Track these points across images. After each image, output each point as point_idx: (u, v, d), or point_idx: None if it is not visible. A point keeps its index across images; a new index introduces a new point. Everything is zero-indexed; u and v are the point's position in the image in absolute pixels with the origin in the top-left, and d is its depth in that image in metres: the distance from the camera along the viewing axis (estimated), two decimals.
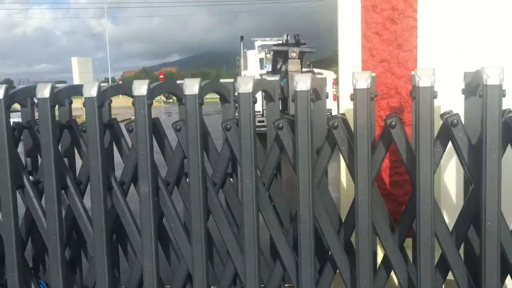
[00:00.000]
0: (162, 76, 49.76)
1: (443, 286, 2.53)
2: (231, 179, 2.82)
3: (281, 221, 2.66)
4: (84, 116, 2.43)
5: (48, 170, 2.51)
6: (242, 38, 21.86)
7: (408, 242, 2.53)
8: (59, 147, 2.82)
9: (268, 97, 2.78)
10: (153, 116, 2.51)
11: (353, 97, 2.28)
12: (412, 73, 2.26)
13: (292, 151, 2.44)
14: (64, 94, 2.82)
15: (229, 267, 2.66)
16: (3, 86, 2.48)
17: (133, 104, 2.40)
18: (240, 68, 20.20)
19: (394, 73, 3.13)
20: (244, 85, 2.31)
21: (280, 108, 2.93)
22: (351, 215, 2.49)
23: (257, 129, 2.39)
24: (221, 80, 2.89)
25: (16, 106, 2.89)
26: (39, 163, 2.97)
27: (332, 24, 3.41)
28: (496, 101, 2.15)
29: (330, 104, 13.59)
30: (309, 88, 2.27)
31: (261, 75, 14.30)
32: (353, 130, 2.31)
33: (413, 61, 3.10)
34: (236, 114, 2.69)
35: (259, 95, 2.70)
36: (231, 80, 2.84)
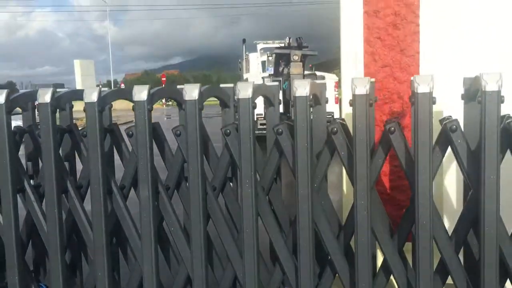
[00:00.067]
0: (164, 79, 49.69)
1: None
2: (231, 183, 2.83)
3: (281, 225, 2.67)
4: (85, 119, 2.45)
5: (49, 174, 2.52)
6: (244, 41, 21.89)
7: (408, 246, 2.54)
8: (60, 151, 2.84)
9: (267, 102, 2.79)
10: (153, 118, 2.52)
11: (352, 103, 2.29)
12: (411, 79, 2.27)
13: (292, 156, 2.45)
14: (65, 99, 2.84)
15: (228, 270, 2.67)
16: (5, 91, 2.50)
17: (133, 109, 2.42)
18: (242, 71, 20.24)
19: (396, 78, 3.14)
20: (244, 91, 2.33)
21: (282, 110, 2.94)
22: (350, 220, 2.50)
23: (259, 132, 2.40)
24: (221, 85, 2.91)
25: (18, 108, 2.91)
26: (40, 167, 2.99)
27: (334, 27, 3.41)
28: (494, 107, 2.16)
29: (332, 107, 13.58)
30: (308, 94, 2.28)
31: (263, 78, 14.35)
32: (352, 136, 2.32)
33: (415, 66, 3.11)
34: (236, 119, 2.70)
35: (261, 98, 2.71)
36: (231, 85, 2.85)
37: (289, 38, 14.40)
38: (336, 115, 12.92)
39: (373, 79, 2.58)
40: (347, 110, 3.06)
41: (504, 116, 2.36)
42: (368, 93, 2.26)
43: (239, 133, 2.36)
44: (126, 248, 2.90)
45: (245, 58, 20.24)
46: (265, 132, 2.78)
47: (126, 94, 2.64)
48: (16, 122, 3.18)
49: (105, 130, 2.75)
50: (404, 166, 2.43)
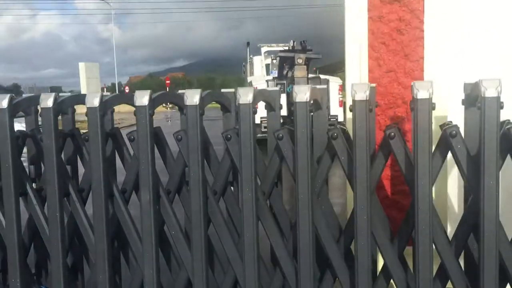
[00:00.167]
0: (169, 82, 49.71)
1: None
2: (231, 187, 2.85)
3: (281, 229, 2.68)
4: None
5: (51, 177, 2.54)
6: (248, 44, 21.95)
7: (409, 250, 2.54)
8: (62, 155, 2.86)
9: (268, 107, 2.81)
10: (155, 119, 2.54)
11: (352, 108, 2.30)
12: (412, 84, 2.28)
13: (292, 161, 2.46)
14: (68, 103, 2.86)
15: (229, 274, 2.68)
16: (8, 96, 2.52)
17: (135, 114, 2.44)
18: (246, 74, 20.27)
19: (400, 83, 3.14)
20: (244, 96, 2.34)
21: (286, 114, 2.95)
22: (350, 224, 2.51)
23: (263, 135, 2.41)
24: (222, 90, 2.93)
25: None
26: (42, 170, 3.01)
27: (338, 31, 3.42)
28: (494, 113, 2.17)
29: (336, 110, 13.59)
30: (308, 99, 2.29)
31: (267, 81, 14.36)
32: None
33: (419, 71, 3.12)
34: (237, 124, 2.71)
35: None
36: (232, 90, 2.87)
37: (293, 41, 14.42)
38: (341, 118, 12.94)
39: (373, 84, 2.59)
40: (350, 113, 3.07)
41: (504, 121, 2.37)
42: (368, 98, 2.27)
43: (240, 138, 2.38)
44: (127, 251, 2.91)
45: (249, 61, 20.27)
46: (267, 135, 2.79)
47: (128, 99, 2.66)
48: (22, 125, 3.21)
49: (107, 134, 2.77)
50: (404, 171, 2.44)
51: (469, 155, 2.38)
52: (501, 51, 3.02)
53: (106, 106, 2.54)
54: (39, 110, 2.57)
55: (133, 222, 2.73)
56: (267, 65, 18.47)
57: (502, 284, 2.40)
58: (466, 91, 2.48)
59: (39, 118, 2.77)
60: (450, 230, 2.58)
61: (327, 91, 2.82)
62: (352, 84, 2.31)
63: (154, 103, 2.47)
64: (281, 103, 2.90)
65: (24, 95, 2.81)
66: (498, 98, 2.16)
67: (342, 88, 14.00)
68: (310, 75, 13.84)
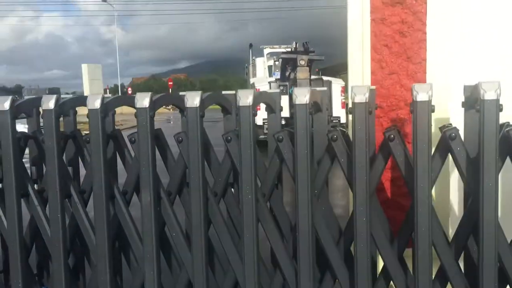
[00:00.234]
0: (171, 83, 49.70)
1: None
2: (232, 189, 2.86)
3: (281, 231, 2.69)
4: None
5: (52, 179, 2.56)
6: (251, 45, 21.95)
7: (408, 252, 2.55)
8: (64, 156, 2.87)
9: (269, 109, 2.82)
10: (156, 120, 2.55)
11: (351, 111, 2.31)
12: (411, 87, 2.28)
13: (292, 163, 2.47)
14: (69, 105, 2.87)
15: (229, 275, 2.69)
16: (9, 98, 2.54)
17: (135, 115, 2.45)
18: (249, 75, 20.28)
19: (403, 85, 3.15)
20: (244, 98, 2.35)
21: (289, 115, 2.96)
22: (350, 225, 2.52)
23: (264, 137, 2.41)
24: (223, 92, 2.94)
25: None
26: (44, 172, 3.02)
27: (341, 32, 3.43)
28: (493, 116, 2.17)
29: (339, 111, 13.59)
30: (308, 102, 2.30)
31: (269, 82, 14.38)
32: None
33: (422, 73, 3.12)
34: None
35: None
36: (233, 92, 2.88)
37: (296, 43, 14.45)
38: (343, 120, 12.94)
39: (373, 87, 2.60)
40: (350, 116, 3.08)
41: (503, 124, 2.37)
42: (367, 101, 2.28)
43: (240, 140, 2.39)
44: (128, 252, 2.93)
45: (252, 63, 20.27)
46: None
47: (129, 101, 2.67)
48: (25, 126, 3.23)
49: (108, 136, 2.78)
50: (403, 173, 2.44)
51: (468, 158, 2.38)
52: (504, 53, 3.03)
53: (107, 108, 2.56)
54: (41, 112, 2.58)
55: (134, 224, 2.74)
56: (270, 67, 18.48)
57: (502, 286, 2.40)
58: (466, 94, 2.48)
59: (41, 120, 2.78)
60: (451, 232, 2.58)
61: (329, 92, 2.82)
62: (352, 86, 2.32)
63: (155, 105, 2.48)
64: (282, 105, 2.91)
65: (25, 97, 2.83)
66: (497, 100, 2.17)
67: (345, 89, 14.02)
68: (313, 77, 13.86)
